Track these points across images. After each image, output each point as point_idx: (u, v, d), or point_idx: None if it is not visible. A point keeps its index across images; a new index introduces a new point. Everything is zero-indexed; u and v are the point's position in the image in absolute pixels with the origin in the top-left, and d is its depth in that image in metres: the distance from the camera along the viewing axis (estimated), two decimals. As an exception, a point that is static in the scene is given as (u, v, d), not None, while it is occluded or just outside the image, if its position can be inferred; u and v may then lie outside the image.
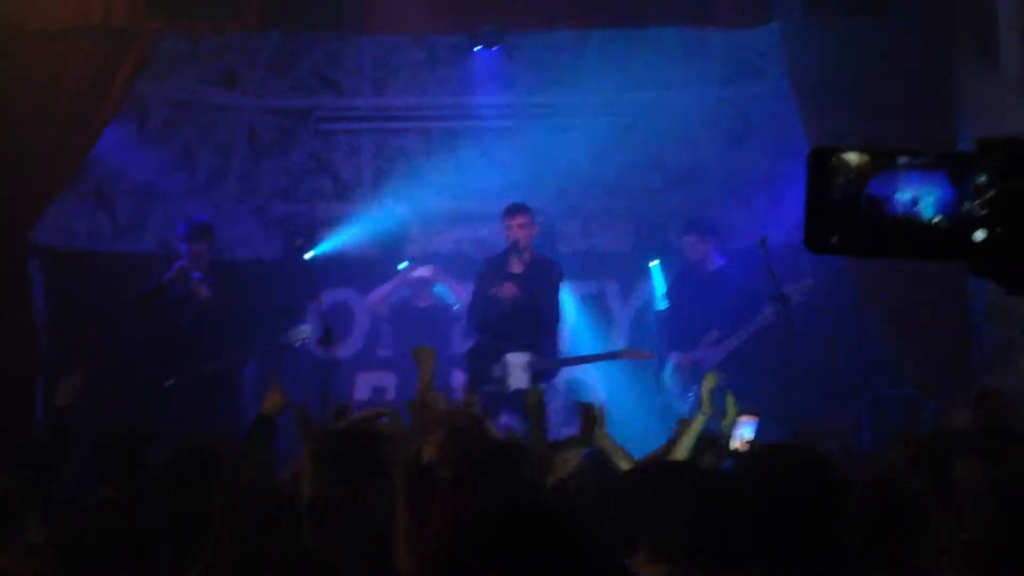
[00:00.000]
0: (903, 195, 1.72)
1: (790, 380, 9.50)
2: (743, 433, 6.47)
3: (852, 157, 1.74)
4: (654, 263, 12.19)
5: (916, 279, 9.67)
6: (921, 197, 1.72)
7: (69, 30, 9.54)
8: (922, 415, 9.51)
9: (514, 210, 10.53)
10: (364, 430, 6.31)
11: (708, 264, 11.20)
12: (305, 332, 10.49)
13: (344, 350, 11.26)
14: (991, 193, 1.69)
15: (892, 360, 10.18)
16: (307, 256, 11.35)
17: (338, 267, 12.21)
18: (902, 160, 1.74)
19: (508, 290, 10.21)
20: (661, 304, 11.94)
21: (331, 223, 12.54)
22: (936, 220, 1.70)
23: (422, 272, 11.83)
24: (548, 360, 10.38)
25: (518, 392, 9.63)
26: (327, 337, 9.69)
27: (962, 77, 9.83)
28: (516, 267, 10.43)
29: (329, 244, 12.26)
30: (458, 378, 10.78)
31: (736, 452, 6.35)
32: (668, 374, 11.03)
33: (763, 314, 10.62)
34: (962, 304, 9.82)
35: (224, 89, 12.19)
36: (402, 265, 12.14)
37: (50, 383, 9.75)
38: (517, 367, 10.10)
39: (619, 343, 11.63)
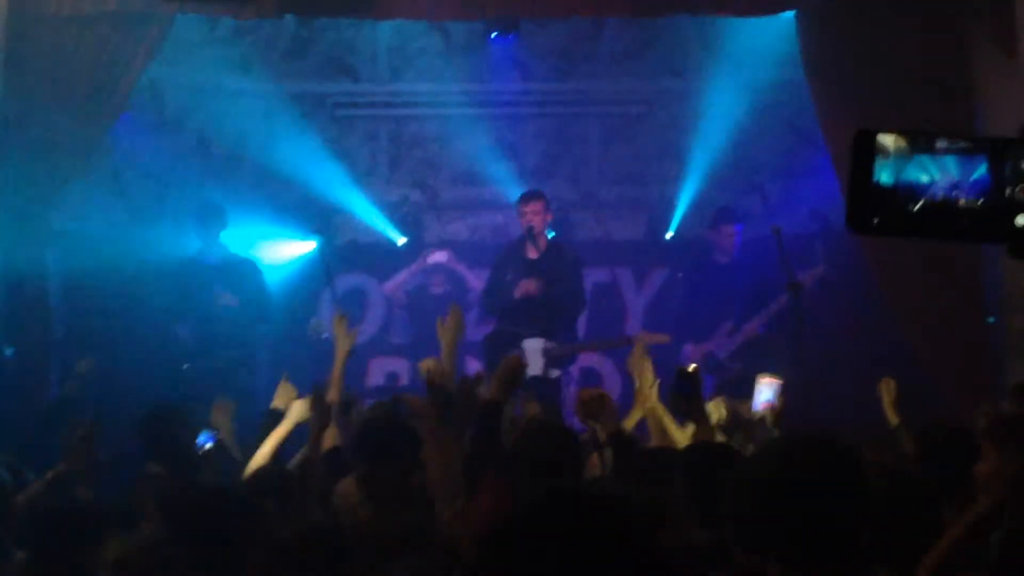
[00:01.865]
0: (941, 178, 1.74)
1: (803, 370, 9.48)
2: (765, 396, 6.42)
3: (892, 140, 1.75)
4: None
5: (931, 269, 9.66)
6: (960, 181, 1.74)
7: (86, 15, 9.55)
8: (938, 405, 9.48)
9: (529, 196, 10.54)
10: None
11: (726, 255, 11.19)
12: (325, 326, 10.50)
13: (358, 336, 11.24)
14: None
15: (906, 350, 10.15)
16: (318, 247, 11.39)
17: (352, 253, 12.24)
18: (940, 144, 1.76)
19: (528, 286, 10.22)
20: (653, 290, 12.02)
21: (346, 210, 12.56)
22: (969, 202, 1.72)
23: (438, 257, 11.84)
24: (564, 346, 10.38)
25: (535, 379, 9.65)
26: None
27: (979, 65, 9.80)
28: (532, 253, 10.44)
29: (348, 232, 12.32)
30: (472, 365, 10.77)
31: (760, 417, 6.32)
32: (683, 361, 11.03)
33: (775, 303, 10.63)
34: (977, 294, 9.80)
35: (240, 75, 12.20)
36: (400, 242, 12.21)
37: (65, 367, 9.82)
38: (534, 353, 10.10)
39: (633, 329, 11.63)
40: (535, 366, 9.99)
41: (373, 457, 5.82)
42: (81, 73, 9.71)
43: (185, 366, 10.24)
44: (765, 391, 6.48)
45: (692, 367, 5.96)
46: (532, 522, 2.11)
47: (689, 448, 5.18)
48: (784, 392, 6.53)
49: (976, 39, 9.83)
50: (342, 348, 7.31)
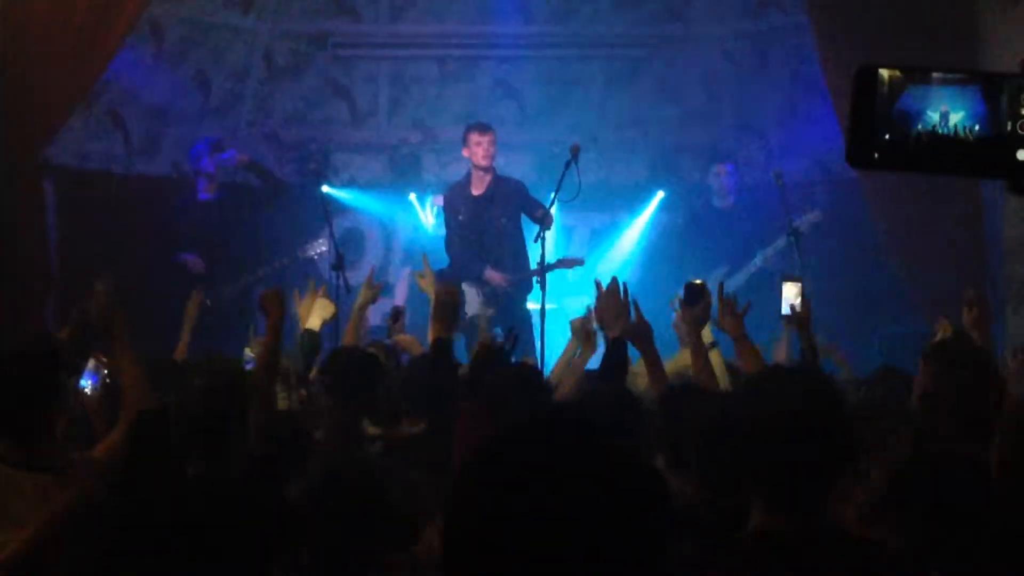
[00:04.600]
0: (942, 113, 1.73)
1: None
2: (789, 300, 6.36)
3: (892, 75, 1.74)
4: (659, 193, 12.23)
5: (933, 216, 9.63)
6: (951, 112, 1.72)
7: (85, -53, 9.48)
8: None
9: (484, 127, 10.44)
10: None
11: (723, 198, 11.18)
12: (321, 245, 10.53)
13: (356, 277, 11.25)
14: None
15: (905, 296, 10.14)
16: (325, 188, 11.37)
17: (351, 194, 12.23)
18: (936, 75, 1.74)
19: (493, 277, 10.20)
20: (645, 231, 11.99)
21: (346, 149, 12.54)
22: (971, 137, 1.71)
23: (438, 201, 11.81)
24: (493, 284, 10.30)
25: (472, 319, 9.67)
26: (339, 263, 9.73)
27: (983, 11, 9.73)
28: (476, 189, 10.42)
29: (347, 172, 12.30)
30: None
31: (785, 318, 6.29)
32: (678, 308, 11.00)
33: (772, 246, 10.63)
34: (979, 242, 9.78)
35: (240, 11, 12.12)
36: (412, 196, 12.19)
37: (61, 303, 9.80)
38: (471, 292, 10.15)
39: (632, 274, 11.60)
40: (472, 306, 9.98)
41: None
42: (79, 6, 9.64)
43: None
44: (789, 294, 6.44)
45: (699, 281, 5.99)
46: (518, 446, 2.08)
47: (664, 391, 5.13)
48: (806, 294, 6.48)
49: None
50: (363, 298, 7.53)
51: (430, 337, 5.78)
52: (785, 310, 6.33)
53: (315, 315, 7.04)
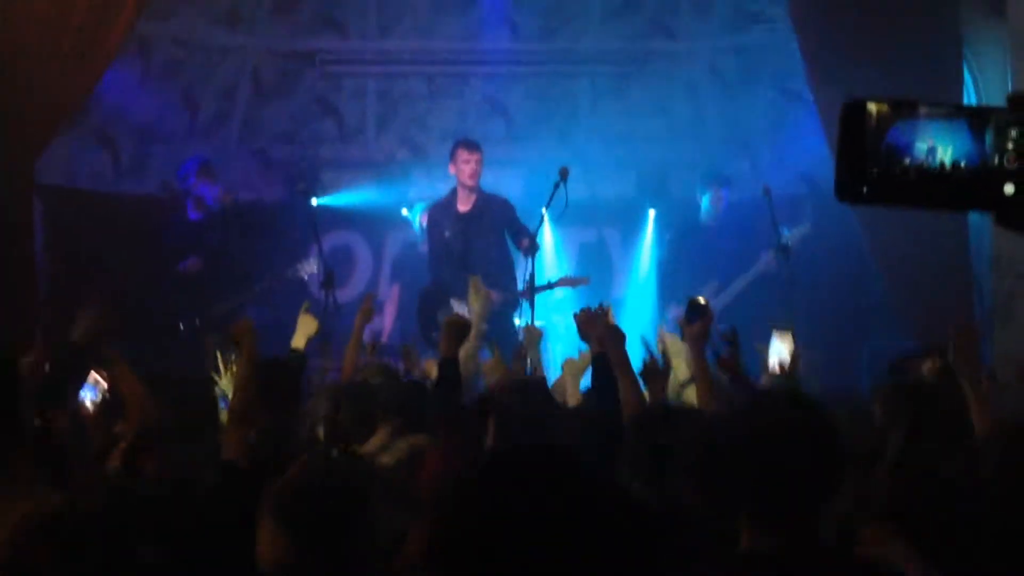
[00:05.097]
0: (921, 144, 1.75)
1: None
2: (778, 351, 6.34)
3: (879, 109, 1.76)
4: (651, 212, 12.25)
5: (919, 230, 9.64)
6: (938, 146, 1.74)
7: (73, -34, 9.48)
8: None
9: (472, 144, 10.46)
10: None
11: (713, 217, 11.21)
12: (311, 265, 10.54)
13: (345, 294, 11.26)
14: (1022, 147, 1.72)
15: (893, 310, 10.17)
16: (314, 201, 11.36)
17: (340, 211, 12.23)
18: (923, 110, 1.76)
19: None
20: (653, 253, 11.98)
21: (334, 166, 12.56)
22: (959, 171, 1.74)
23: (426, 219, 11.81)
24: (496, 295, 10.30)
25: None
26: (328, 281, 9.73)
27: (967, 22, 9.77)
28: (462, 206, 10.43)
29: (336, 189, 12.30)
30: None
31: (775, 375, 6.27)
32: (667, 325, 11.02)
33: (761, 262, 10.66)
34: (964, 255, 9.79)
35: (228, 30, 12.13)
36: (404, 213, 12.20)
37: (49, 322, 9.78)
38: (461, 308, 10.14)
39: (619, 292, 11.62)
40: None
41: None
42: (68, 26, 9.64)
43: (181, 324, 10.25)
44: (778, 345, 6.42)
45: (703, 299, 5.99)
46: (493, 480, 2.10)
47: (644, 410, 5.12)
48: (797, 345, 6.45)
49: (967, 1, 9.81)
50: (359, 322, 7.56)
51: (441, 353, 5.78)
52: (772, 363, 6.34)
53: (299, 333, 7.04)
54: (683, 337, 6.20)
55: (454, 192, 10.51)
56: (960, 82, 9.60)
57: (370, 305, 7.89)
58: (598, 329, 5.84)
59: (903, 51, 9.41)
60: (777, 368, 6.24)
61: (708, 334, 5.94)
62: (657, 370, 5.96)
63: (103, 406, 5.55)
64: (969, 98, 9.77)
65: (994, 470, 3.41)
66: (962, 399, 4.72)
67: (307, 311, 7.31)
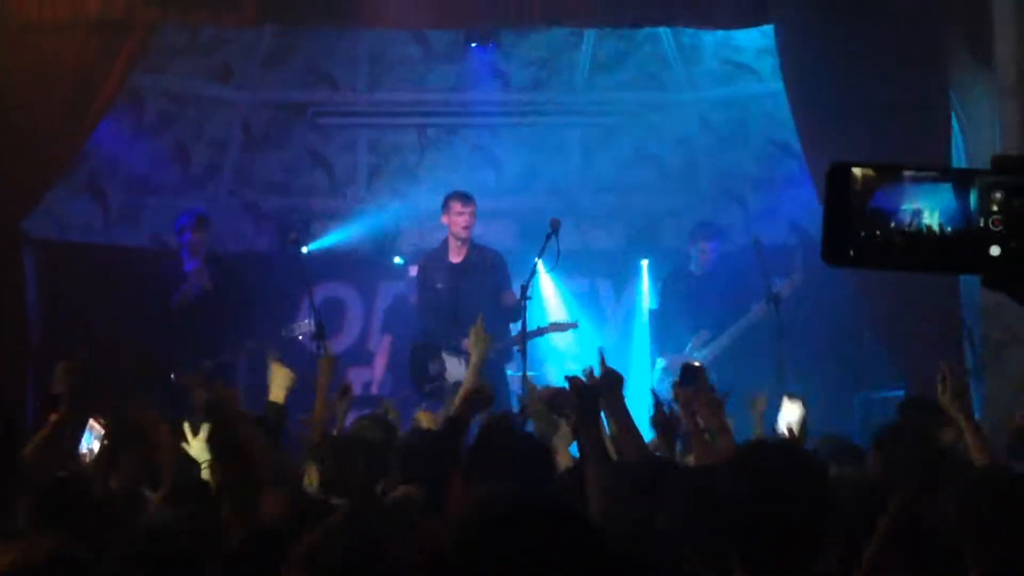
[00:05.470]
0: (907, 207, 1.77)
1: (781, 380, 9.50)
2: (787, 418, 6.39)
3: (865, 173, 1.78)
4: (644, 262, 12.28)
5: (909, 280, 9.66)
6: (924, 209, 1.76)
7: (66, 21, 9.53)
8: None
9: (467, 197, 10.48)
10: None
11: (702, 268, 11.24)
12: (306, 326, 10.50)
13: (336, 345, 11.25)
14: (1007, 209, 1.74)
15: (883, 360, 10.19)
16: (304, 249, 11.34)
17: (331, 262, 12.24)
18: (907, 173, 1.78)
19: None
20: (651, 303, 12.00)
21: (325, 218, 12.58)
22: (944, 234, 1.75)
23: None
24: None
25: (458, 384, 9.64)
26: (319, 332, 9.71)
27: (956, 76, 9.84)
28: (455, 257, 10.47)
29: (327, 240, 12.33)
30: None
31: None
32: (657, 375, 11.05)
33: (752, 312, 10.68)
34: (953, 305, 9.83)
35: (220, 82, 12.19)
36: (397, 261, 12.23)
37: (41, 375, 9.77)
38: (453, 361, 10.13)
39: (611, 341, 11.62)
40: (457, 372, 9.88)
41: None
42: (61, 80, 9.69)
43: (173, 375, 10.21)
44: (790, 409, 6.48)
45: (697, 363, 6.00)
46: (495, 531, 2.12)
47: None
48: (805, 415, 6.50)
49: (954, 52, 9.89)
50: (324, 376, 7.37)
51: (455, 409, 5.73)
52: (781, 428, 6.38)
53: (275, 385, 6.92)
54: (675, 399, 6.19)
55: (446, 243, 10.53)
56: (948, 136, 9.66)
57: (331, 357, 7.68)
58: (595, 379, 5.65)
59: (892, 105, 9.48)
60: (786, 432, 6.27)
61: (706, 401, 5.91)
62: (668, 421, 5.96)
63: (103, 454, 5.49)
64: (957, 148, 9.83)
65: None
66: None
67: (276, 361, 7.16)
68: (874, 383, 10.59)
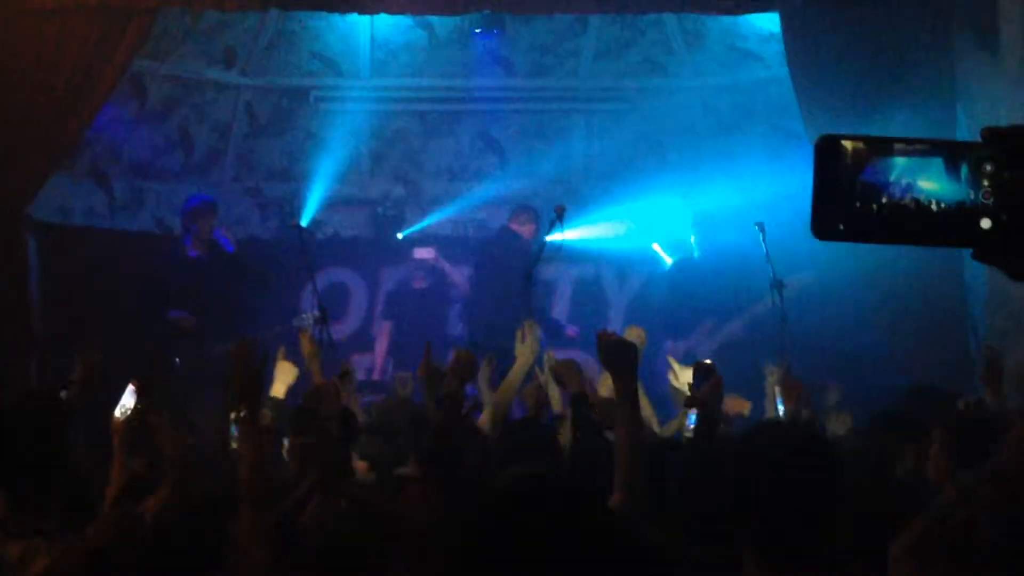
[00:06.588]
0: (898, 181, 1.75)
1: (783, 364, 9.48)
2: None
3: (851, 144, 1.76)
4: (655, 245, 12.27)
5: (913, 268, 9.66)
6: (914, 182, 1.74)
7: (69, 7, 9.52)
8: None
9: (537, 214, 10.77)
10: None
11: (708, 254, 11.23)
12: (313, 315, 10.46)
13: (339, 331, 11.24)
14: (997, 182, 1.72)
15: (888, 349, 10.17)
16: (307, 238, 11.29)
17: (334, 247, 12.22)
18: (898, 146, 1.76)
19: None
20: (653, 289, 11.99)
21: (328, 202, 12.56)
22: (936, 206, 1.74)
23: (424, 254, 11.84)
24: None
25: None
26: (323, 318, 9.70)
27: (961, 63, 9.83)
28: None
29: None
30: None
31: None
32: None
33: (758, 303, 10.65)
34: (959, 294, 9.81)
35: (223, 68, 12.18)
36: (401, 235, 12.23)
37: (44, 357, 9.77)
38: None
39: (614, 328, 11.59)
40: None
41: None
42: (64, 65, 9.67)
43: (176, 361, 10.18)
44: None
45: (709, 361, 5.99)
46: (502, 511, 2.11)
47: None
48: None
49: (959, 36, 9.86)
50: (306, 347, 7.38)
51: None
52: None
53: (279, 381, 6.91)
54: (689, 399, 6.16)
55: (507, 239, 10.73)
56: (953, 121, 9.64)
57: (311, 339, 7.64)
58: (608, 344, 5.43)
59: (897, 90, 9.47)
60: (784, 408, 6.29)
61: (720, 397, 5.88)
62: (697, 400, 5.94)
63: (133, 422, 5.30)
64: (961, 134, 9.81)
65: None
66: None
67: (284, 358, 7.17)
68: (878, 371, 10.56)
